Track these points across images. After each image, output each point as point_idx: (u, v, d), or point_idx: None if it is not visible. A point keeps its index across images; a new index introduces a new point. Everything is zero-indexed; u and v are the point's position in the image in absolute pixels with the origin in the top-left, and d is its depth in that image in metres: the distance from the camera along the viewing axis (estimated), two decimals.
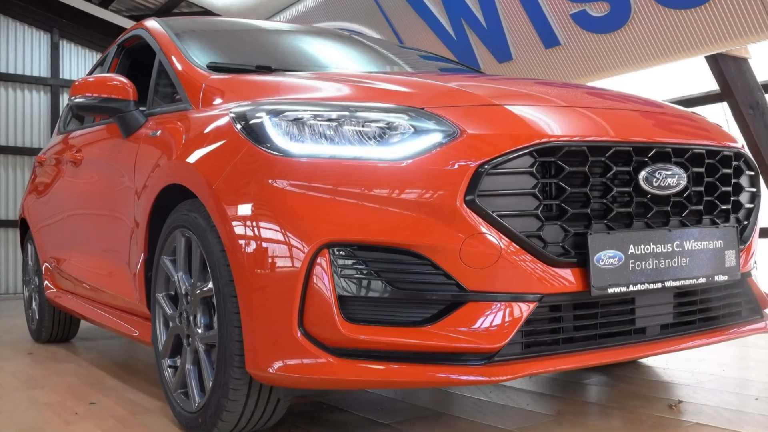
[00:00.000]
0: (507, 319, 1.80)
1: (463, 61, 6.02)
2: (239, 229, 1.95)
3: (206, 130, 2.24)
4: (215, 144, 2.14)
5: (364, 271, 1.83)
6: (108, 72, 3.64)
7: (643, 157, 2.00)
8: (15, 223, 8.77)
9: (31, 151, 9.12)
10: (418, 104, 1.98)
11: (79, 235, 3.51)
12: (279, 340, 1.86)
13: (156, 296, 2.47)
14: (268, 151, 1.94)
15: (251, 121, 2.02)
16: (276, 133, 1.95)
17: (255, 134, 1.99)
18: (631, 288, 1.91)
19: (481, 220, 1.79)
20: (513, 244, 1.81)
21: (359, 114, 1.93)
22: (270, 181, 1.91)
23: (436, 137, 1.86)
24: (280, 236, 1.87)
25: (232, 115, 2.11)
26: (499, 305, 1.81)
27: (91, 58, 9.69)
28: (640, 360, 3.20)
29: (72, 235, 3.62)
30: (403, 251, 1.81)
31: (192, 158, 2.21)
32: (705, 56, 5.03)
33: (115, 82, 2.86)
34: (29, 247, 4.63)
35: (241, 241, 1.94)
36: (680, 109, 2.46)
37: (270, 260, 1.88)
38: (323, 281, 1.81)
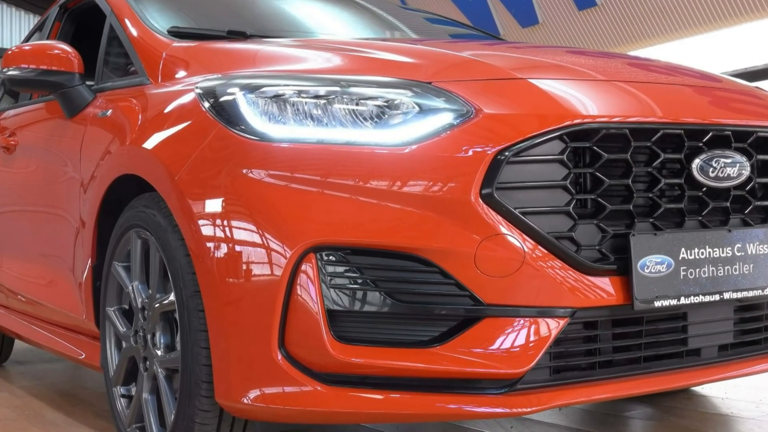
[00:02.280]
0: (532, 338, 1.80)
1: (478, 26, 6.02)
2: (207, 230, 1.95)
3: (167, 110, 2.24)
4: (178, 126, 2.14)
5: (359, 280, 1.83)
6: (48, 39, 3.63)
7: (697, 141, 1.99)
8: None
9: None
10: (423, 78, 1.98)
11: (12, 237, 3.51)
12: (255, 363, 1.86)
13: (106, 311, 2.47)
14: (243, 134, 1.93)
15: (222, 99, 2.02)
16: (252, 113, 1.95)
17: (226, 114, 1.99)
18: (683, 301, 1.91)
19: (500, 218, 1.79)
20: (539, 247, 1.80)
21: (353, 90, 1.93)
22: (244, 170, 1.90)
23: (446, 118, 1.86)
24: (257, 238, 1.86)
25: (198, 90, 2.11)
26: (522, 322, 1.81)
27: (27, 21, 9.69)
28: (694, 388, 3.20)
29: (4, 237, 3.62)
30: (405, 256, 1.81)
31: (150, 143, 2.21)
32: None
33: (56, 51, 2.85)
34: None
35: (210, 244, 1.94)
36: (742, 84, 2.46)
37: (245, 267, 1.87)
38: (309, 293, 1.81)
